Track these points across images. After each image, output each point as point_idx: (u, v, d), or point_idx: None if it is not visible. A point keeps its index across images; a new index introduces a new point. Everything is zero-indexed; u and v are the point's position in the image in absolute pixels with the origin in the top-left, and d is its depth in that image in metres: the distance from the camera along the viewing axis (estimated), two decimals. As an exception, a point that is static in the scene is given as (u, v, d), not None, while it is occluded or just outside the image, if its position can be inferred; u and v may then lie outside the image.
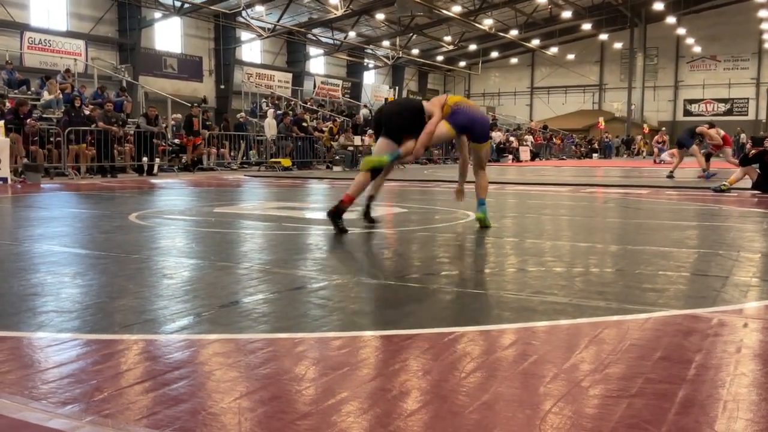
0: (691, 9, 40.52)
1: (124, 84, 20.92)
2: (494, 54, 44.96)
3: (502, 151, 29.01)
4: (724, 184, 10.32)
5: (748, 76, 44.71)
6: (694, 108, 46.91)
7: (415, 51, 40.64)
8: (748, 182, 10.31)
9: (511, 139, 30.80)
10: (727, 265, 3.95)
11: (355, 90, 38.51)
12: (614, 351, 2.26)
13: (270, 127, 19.11)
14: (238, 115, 20.92)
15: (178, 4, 26.99)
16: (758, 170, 10.22)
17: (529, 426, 1.66)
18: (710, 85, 45.78)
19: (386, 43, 38.40)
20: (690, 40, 42.15)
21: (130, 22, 26.46)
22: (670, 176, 13.49)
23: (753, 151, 10.84)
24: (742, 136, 34.62)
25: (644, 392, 1.88)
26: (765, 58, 43.63)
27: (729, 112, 45.40)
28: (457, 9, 33.16)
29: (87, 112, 14.48)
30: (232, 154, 18.91)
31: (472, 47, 41.76)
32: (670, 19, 38.55)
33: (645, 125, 44.06)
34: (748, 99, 45.21)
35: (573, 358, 2.18)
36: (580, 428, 1.65)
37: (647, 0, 37.60)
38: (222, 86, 30.67)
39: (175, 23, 29.12)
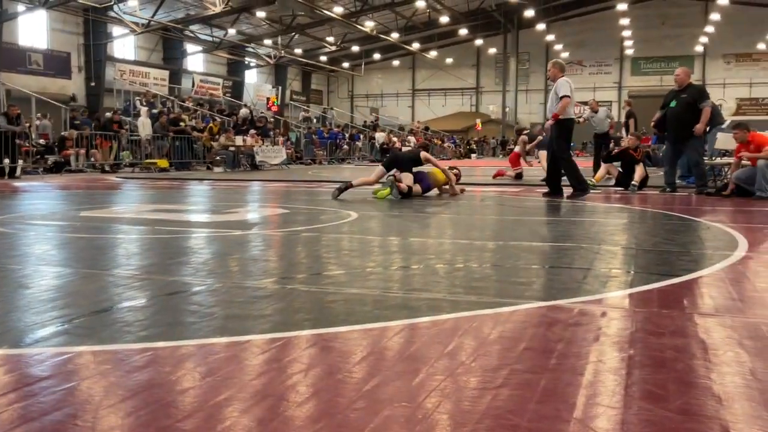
0: (559, 16, 42.89)
1: (-18, 81, 19.37)
2: (376, 56, 45.49)
3: (385, 152, 29.40)
4: (591, 181, 10.98)
5: (611, 80, 47.92)
6: (563, 110, 49.59)
7: (298, 50, 40.35)
8: (611, 179, 11.03)
9: (394, 139, 31.29)
10: (589, 257, 4.20)
11: (236, 89, 37.70)
12: (483, 344, 2.34)
13: (144, 126, 18.32)
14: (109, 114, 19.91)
15: (42, -4, 25.30)
16: (620, 168, 10.96)
17: (401, 420, 1.67)
18: (577, 88, 47.77)
19: (268, 41, 37.87)
20: (558, 46, 44.62)
21: (-11, 15, 24.50)
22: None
23: (615, 150, 11.60)
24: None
25: (509, 383, 1.95)
26: (626, 64, 46.94)
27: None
28: (338, 10, 33.24)
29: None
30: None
31: (355, 48, 42.03)
32: (540, 26, 40.64)
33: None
34: (611, 102, 48.39)
35: (445, 353, 2.23)
36: (448, 421, 1.68)
37: (519, 7, 39.37)
38: (93, 84, 29.02)
39: (41, 17, 27.27)
